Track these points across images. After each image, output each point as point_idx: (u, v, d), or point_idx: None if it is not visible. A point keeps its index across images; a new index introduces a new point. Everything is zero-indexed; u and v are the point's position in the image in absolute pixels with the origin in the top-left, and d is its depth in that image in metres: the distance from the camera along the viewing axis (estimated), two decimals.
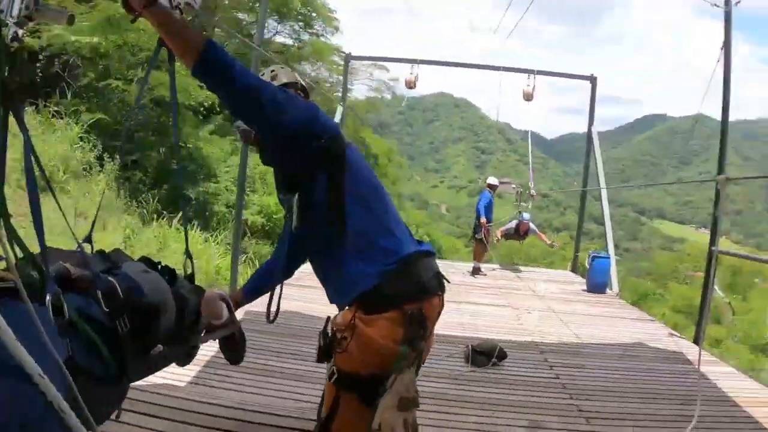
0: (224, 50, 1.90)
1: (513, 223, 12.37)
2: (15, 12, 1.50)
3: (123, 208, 11.89)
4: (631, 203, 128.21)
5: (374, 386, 2.02)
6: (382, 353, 2.00)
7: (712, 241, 7.16)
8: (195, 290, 2.26)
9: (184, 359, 2.31)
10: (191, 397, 3.91)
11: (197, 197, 13.72)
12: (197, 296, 2.22)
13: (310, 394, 4.18)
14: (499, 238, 12.57)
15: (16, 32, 1.51)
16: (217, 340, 2.43)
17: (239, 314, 2.55)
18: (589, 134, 13.09)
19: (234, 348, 2.47)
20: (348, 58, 14.73)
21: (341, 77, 31.96)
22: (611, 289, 10.87)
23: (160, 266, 2.19)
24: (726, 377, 5.63)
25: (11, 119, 1.44)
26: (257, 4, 22.49)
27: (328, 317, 2.17)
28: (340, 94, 32.92)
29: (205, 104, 15.28)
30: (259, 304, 2.52)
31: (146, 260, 2.19)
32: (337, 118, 12.70)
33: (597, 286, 10.57)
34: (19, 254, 1.47)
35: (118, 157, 12.35)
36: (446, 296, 7.08)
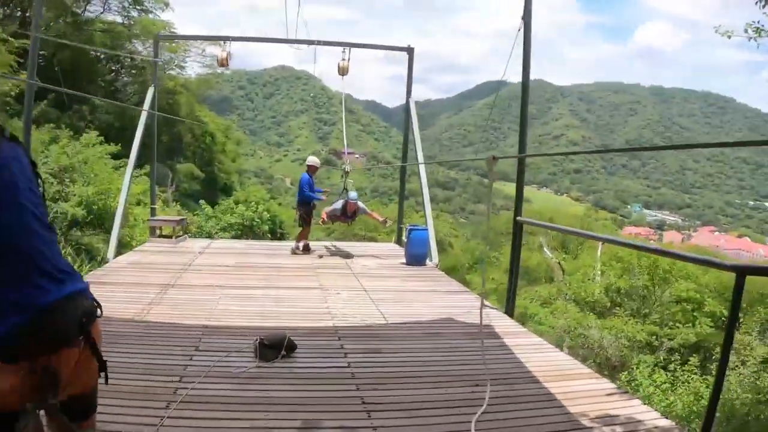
0: None
1: (339, 203, 11.36)
2: None
3: None
4: (473, 167, 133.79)
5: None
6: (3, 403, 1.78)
7: (517, 212, 7.52)
8: None
9: None
10: None
11: None
12: None
13: None
14: (325, 220, 11.73)
15: None
16: None
17: None
18: (407, 105, 12.97)
19: None
20: (157, 38, 14.21)
21: (172, 54, 31.09)
22: (431, 260, 10.95)
23: None
24: (531, 351, 5.73)
25: None
26: None
27: None
28: (172, 72, 31.87)
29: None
30: None
31: None
32: (147, 101, 12.25)
33: (416, 257, 10.57)
34: None
35: None
36: (253, 282, 7.32)
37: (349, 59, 12.25)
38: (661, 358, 13.70)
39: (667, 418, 4.24)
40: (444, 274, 10.19)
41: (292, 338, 5.28)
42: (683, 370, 11.44)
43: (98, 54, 28.60)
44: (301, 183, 11.61)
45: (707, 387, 10.00)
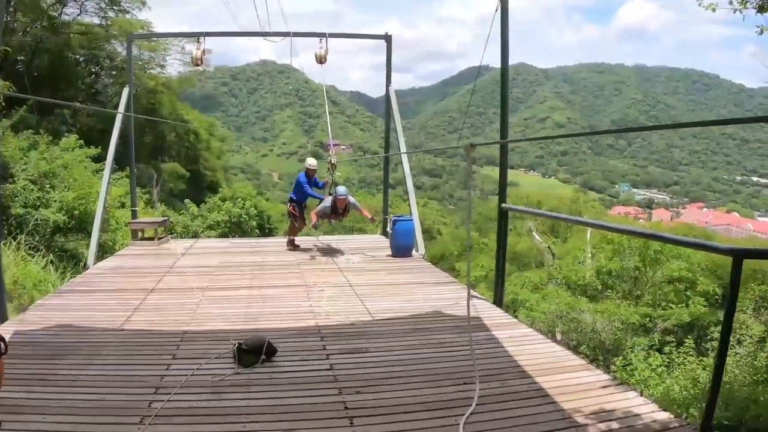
0: None
1: (327, 201, 10.55)
2: None
3: None
4: (460, 154, 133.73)
5: None
6: None
7: (502, 199, 7.27)
8: None
9: None
10: None
11: None
12: None
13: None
14: (315, 222, 10.67)
15: None
16: None
17: None
18: (387, 94, 12.65)
19: None
20: (130, 37, 13.91)
21: (152, 53, 30.73)
22: (417, 251, 10.71)
23: None
24: (522, 343, 5.55)
25: None
26: None
27: None
28: (152, 71, 31.51)
29: None
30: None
31: None
32: (122, 101, 11.96)
33: (401, 249, 10.36)
34: None
35: None
36: (236, 283, 7.12)
37: (326, 48, 11.92)
38: (656, 340, 13.59)
39: (665, 410, 4.06)
40: (431, 265, 9.98)
41: (272, 341, 5.07)
42: (678, 352, 11.31)
43: (77, 57, 28.26)
44: (299, 182, 11.24)
45: (704, 369, 9.85)
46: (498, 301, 7.12)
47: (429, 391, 4.37)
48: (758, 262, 14.83)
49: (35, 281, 10.60)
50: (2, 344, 1.87)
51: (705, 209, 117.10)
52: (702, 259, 17.42)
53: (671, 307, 15.54)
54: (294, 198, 11.36)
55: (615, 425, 3.80)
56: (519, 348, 5.36)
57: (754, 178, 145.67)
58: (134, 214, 12.96)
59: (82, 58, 29.32)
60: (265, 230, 25.55)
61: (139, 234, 12.08)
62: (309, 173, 11.30)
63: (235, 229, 24.18)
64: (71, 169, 14.66)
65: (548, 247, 25.47)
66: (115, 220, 14.95)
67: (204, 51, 12.11)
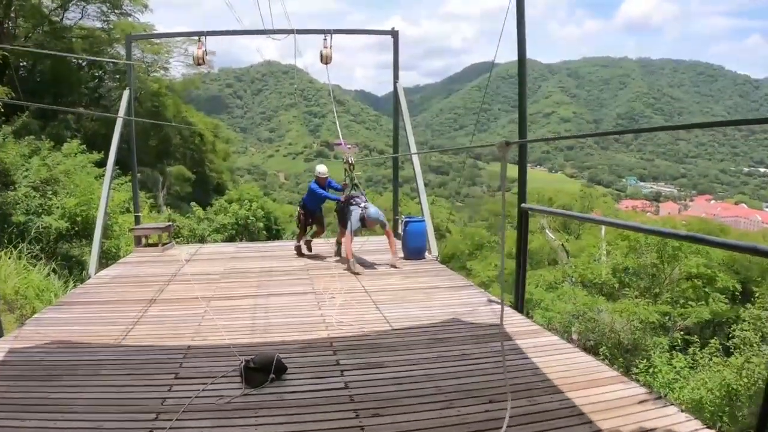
0: None
1: (355, 217, 9.27)
2: None
3: None
4: (463, 152, 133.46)
5: None
6: None
7: (521, 199, 6.87)
8: None
9: None
10: None
11: None
12: None
13: None
14: (351, 241, 9.39)
15: None
16: None
17: None
18: (395, 90, 12.20)
19: None
20: (129, 38, 13.57)
21: (156, 56, 30.52)
22: (430, 252, 10.32)
23: None
24: (549, 353, 5.16)
25: None
26: None
27: None
28: (156, 74, 31.33)
29: None
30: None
31: None
32: (122, 105, 11.61)
33: (414, 251, 9.94)
34: None
35: None
36: (242, 291, 6.76)
37: (331, 46, 11.49)
38: (678, 341, 13.19)
39: (710, 428, 3.70)
40: (445, 267, 9.53)
41: (282, 357, 4.75)
42: (703, 353, 10.92)
43: (80, 61, 28.08)
44: (311, 189, 10.38)
45: (735, 373, 9.42)
46: (519, 306, 6.67)
47: (452, 411, 4.01)
48: None
49: (37, 291, 10.34)
50: None
51: (713, 201, 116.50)
52: (721, 255, 16.96)
53: (690, 305, 15.13)
54: (306, 203, 10.56)
55: None
56: (546, 359, 4.98)
57: (762, 170, 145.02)
58: (137, 220, 12.64)
59: (84, 63, 29.16)
60: (273, 232, 25.25)
61: (143, 240, 11.75)
62: (320, 182, 10.28)
63: (242, 231, 23.91)
64: (73, 174, 14.42)
65: (562, 244, 24.98)
66: (118, 226, 14.69)
67: (206, 51, 11.71)
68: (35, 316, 6.89)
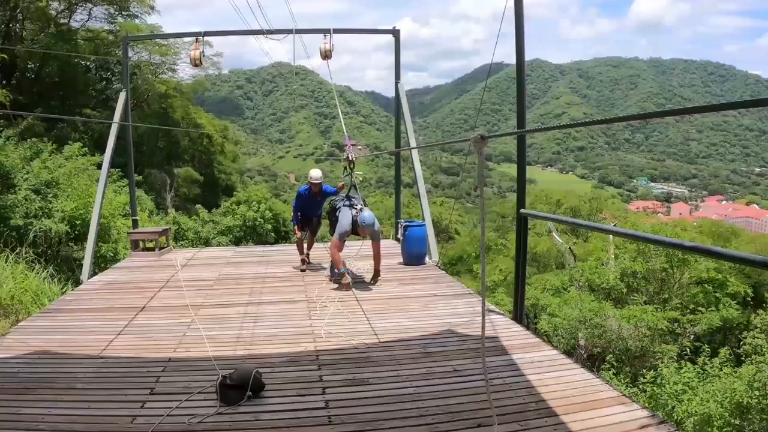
0: None
1: (346, 219, 8.30)
2: None
3: None
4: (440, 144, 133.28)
5: None
6: None
7: (520, 204, 6.44)
8: None
9: None
10: None
11: None
12: None
13: None
14: (340, 247, 8.41)
15: None
16: None
17: None
18: (396, 90, 11.87)
19: None
20: (126, 39, 13.40)
21: (163, 57, 30.48)
22: (431, 258, 9.98)
23: None
24: (545, 369, 4.89)
25: None
26: None
27: None
28: (164, 76, 31.31)
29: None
30: None
31: None
32: (119, 106, 11.37)
33: (414, 257, 9.61)
34: None
35: None
36: (233, 298, 6.49)
37: (331, 43, 11.19)
38: (688, 350, 12.81)
39: None
40: (445, 274, 9.15)
41: (263, 371, 4.54)
42: (713, 364, 10.57)
43: (87, 63, 28.12)
44: (299, 197, 9.54)
45: (747, 385, 9.06)
46: (518, 317, 6.34)
47: None
48: None
49: (34, 295, 10.17)
50: None
51: (724, 202, 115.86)
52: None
53: (700, 311, 14.75)
54: (304, 211, 9.60)
55: None
56: (542, 376, 4.69)
57: None
58: (135, 224, 12.45)
59: (92, 65, 29.18)
60: (281, 233, 25.08)
61: (141, 244, 11.55)
62: (313, 190, 9.23)
63: (251, 233, 23.77)
64: (72, 177, 14.30)
65: (569, 248, 24.56)
66: (116, 229, 14.53)
67: (203, 52, 11.47)
68: (20, 324, 6.71)
